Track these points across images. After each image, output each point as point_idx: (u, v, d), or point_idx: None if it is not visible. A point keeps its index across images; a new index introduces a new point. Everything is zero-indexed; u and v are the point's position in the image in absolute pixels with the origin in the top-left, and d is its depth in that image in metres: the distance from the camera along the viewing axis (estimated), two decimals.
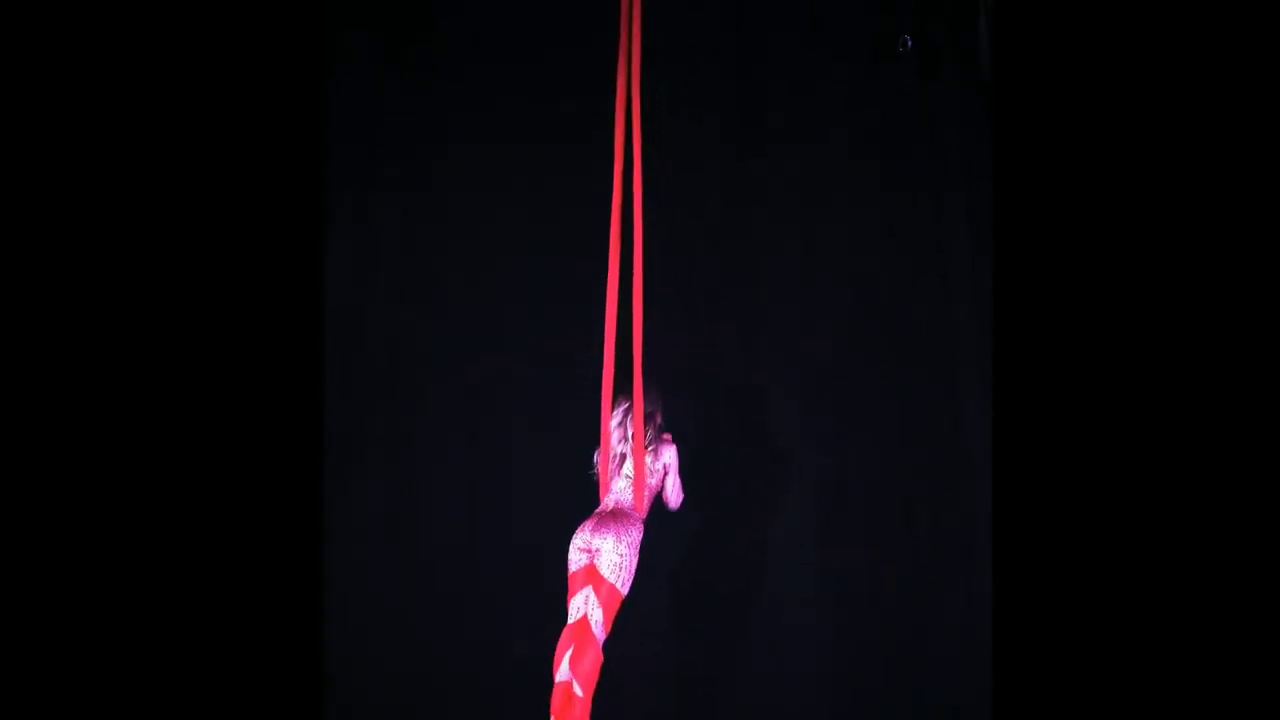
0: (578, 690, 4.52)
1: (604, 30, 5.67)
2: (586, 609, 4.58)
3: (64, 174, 4.03)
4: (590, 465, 4.91)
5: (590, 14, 5.96)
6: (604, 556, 4.62)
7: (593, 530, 4.67)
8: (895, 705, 5.73)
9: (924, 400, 5.93)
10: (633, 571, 4.63)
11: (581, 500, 5.78)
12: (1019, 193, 4.16)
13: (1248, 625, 3.88)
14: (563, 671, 4.56)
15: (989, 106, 5.74)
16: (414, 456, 6.00)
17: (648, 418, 4.78)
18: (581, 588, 4.62)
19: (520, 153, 6.06)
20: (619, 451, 4.79)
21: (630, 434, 4.78)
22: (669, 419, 4.97)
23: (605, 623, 4.59)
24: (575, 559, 4.68)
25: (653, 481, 4.81)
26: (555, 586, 5.74)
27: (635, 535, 4.67)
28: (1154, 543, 3.94)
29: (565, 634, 4.60)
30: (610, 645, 4.68)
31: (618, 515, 4.71)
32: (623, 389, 4.77)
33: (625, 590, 4.62)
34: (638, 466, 4.77)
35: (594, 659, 4.54)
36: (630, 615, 4.79)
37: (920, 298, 5.97)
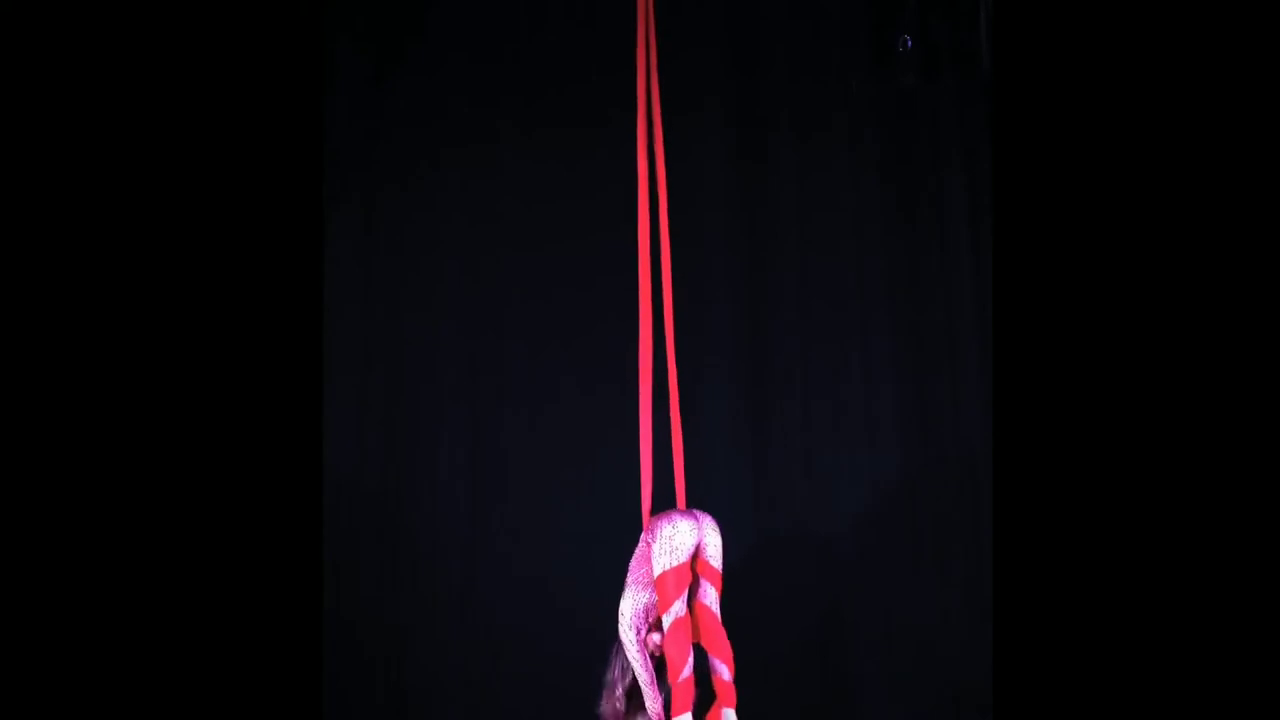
0: (725, 675, 4.50)
1: (603, 30, 5.69)
2: (702, 598, 4.56)
3: (65, 176, 4.03)
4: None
5: (589, 14, 5.99)
6: (713, 543, 4.59)
7: (697, 520, 4.61)
8: (896, 703, 5.75)
9: (924, 399, 5.94)
10: None
11: (581, 500, 5.81)
12: (1019, 192, 4.16)
13: (1251, 626, 3.88)
14: (689, 668, 4.46)
15: (989, 106, 5.75)
16: (413, 456, 6.01)
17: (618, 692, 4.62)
18: (686, 579, 4.53)
19: (520, 153, 6.07)
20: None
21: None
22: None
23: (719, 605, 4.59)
24: (681, 551, 4.54)
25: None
26: (556, 586, 5.79)
27: None
28: (1154, 540, 3.95)
29: (682, 629, 4.48)
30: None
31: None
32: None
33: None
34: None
35: (725, 638, 4.55)
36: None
37: (920, 297, 5.98)
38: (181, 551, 4.00)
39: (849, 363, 5.98)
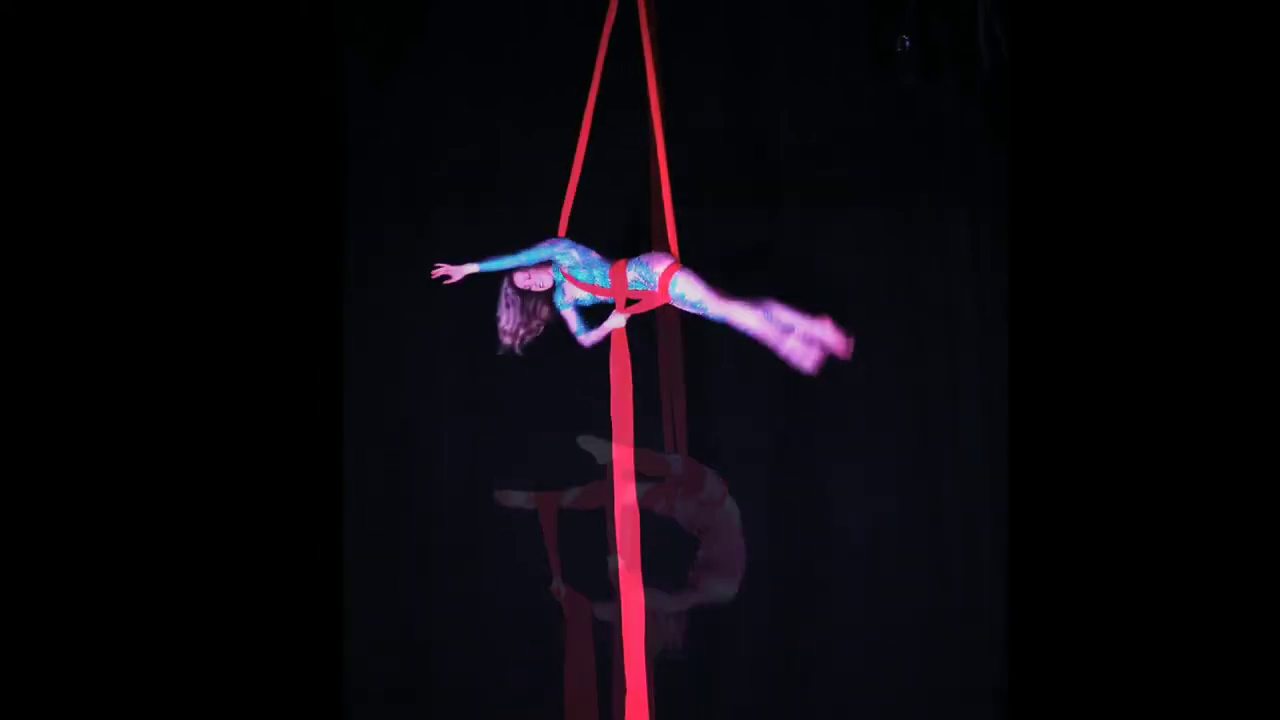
0: None
1: (599, 29, 5.69)
2: None
3: (64, 176, 4.04)
4: None
5: (589, 14, 5.98)
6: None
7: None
8: (906, 701, 5.75)
9: (924, 399, 5.94)
10: None
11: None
12: (1019, 192, 4.18)
13: (1258, 618, 3.90)
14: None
15: (989, 106, 5.76)
16: (413, 457, 6.00)
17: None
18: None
19: (520, 152, 6.06)
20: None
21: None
22: None
23: None
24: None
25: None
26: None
27: None
28: (1152, 538, 3.96)
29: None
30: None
31: None
32: None
33: None
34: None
35: None
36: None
37: (920, 297, 5.99)
38: (199, 556, 4.00)
39: (849, 363, 5.97)
